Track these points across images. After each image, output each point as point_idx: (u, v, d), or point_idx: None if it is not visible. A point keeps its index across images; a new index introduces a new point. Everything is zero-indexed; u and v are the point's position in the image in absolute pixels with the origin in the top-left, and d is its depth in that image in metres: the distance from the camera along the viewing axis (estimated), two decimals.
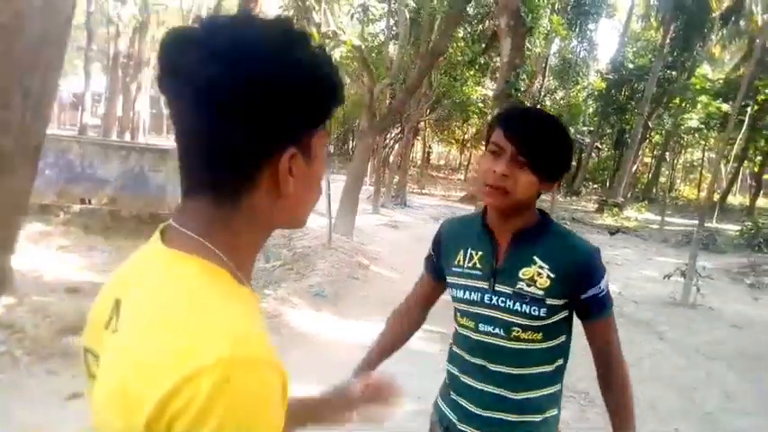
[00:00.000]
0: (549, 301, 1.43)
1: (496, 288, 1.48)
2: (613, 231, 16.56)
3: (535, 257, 1.45)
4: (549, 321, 1.45)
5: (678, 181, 37.66)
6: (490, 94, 28.46)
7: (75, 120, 29.14)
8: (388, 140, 19.38)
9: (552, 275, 1.43)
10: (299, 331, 5.29)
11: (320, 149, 0.72)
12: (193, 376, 0.56)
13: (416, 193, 21.58)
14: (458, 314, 1.59)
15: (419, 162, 30.93)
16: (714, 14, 20.92)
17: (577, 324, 1.52)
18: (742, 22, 23.32)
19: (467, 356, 1.55)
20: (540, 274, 1.44)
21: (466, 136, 31.98)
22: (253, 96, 0.62)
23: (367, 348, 1.74)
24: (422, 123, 21.39)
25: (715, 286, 9.44)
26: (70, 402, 3.36)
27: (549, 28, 17.78)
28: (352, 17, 14.12)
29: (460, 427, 1.54)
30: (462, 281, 1.55)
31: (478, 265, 1.52)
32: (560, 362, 1.53)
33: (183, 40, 0.64)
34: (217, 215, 0.68)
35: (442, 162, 42.59)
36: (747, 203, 29.99)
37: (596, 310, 1.46)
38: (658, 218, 19.10)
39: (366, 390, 1.16)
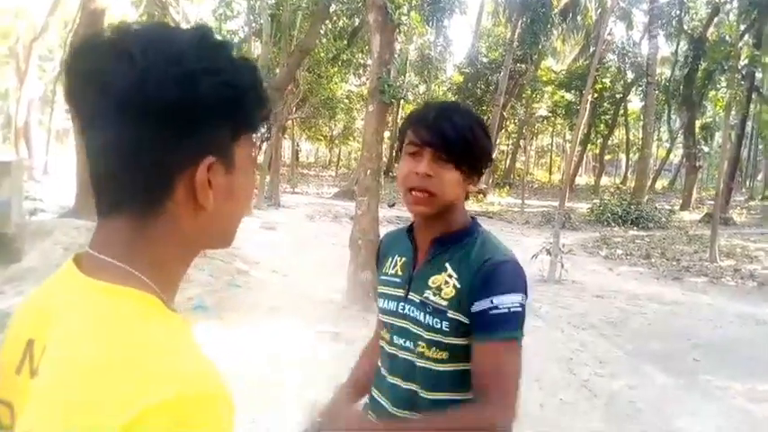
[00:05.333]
0: (452, 314, 1.28)
1: (409, 296, 1.37)
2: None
3: (447, 264, 1.33)
4: (457, 341, 1.29)
5: (531, 165, 40.62)
6: (354, 89, 28.90)
7: None
8: (255, 141, 18.84)
9: (458, 286, 1.29)
10: None
11: (245, 160, 0.69)
12: (140, 419, 0.52)
13: (289, 193, 21.24)
14: (382, 327, 1.48)
15: (289, 161, 30.51)
16: (555, 11, 22.71)
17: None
18: (579, 18, 25.67)
19: (383, 372, 1.45)
20: (447, 282, 1.31)
21: (333, 132, 32.08)
22: (168, 104, 0.61)
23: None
24: (289, 122, 21.09)
25: (575, 261, 10.31)
26: None
27: (409, 24, 18.26)
28: (215, 14, 13.51)
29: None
30: (385, 288, 1.46)
31: (399, 273, 1.43)
32: None
33: (97, 47, 0.62)
34: (136, 235, 0.65)
35: (311, 159, 42.40)
36: (592, 183, 33.19)
37: (482, 327, 1.25)
38: (518, 201, 20.47)
39: None
